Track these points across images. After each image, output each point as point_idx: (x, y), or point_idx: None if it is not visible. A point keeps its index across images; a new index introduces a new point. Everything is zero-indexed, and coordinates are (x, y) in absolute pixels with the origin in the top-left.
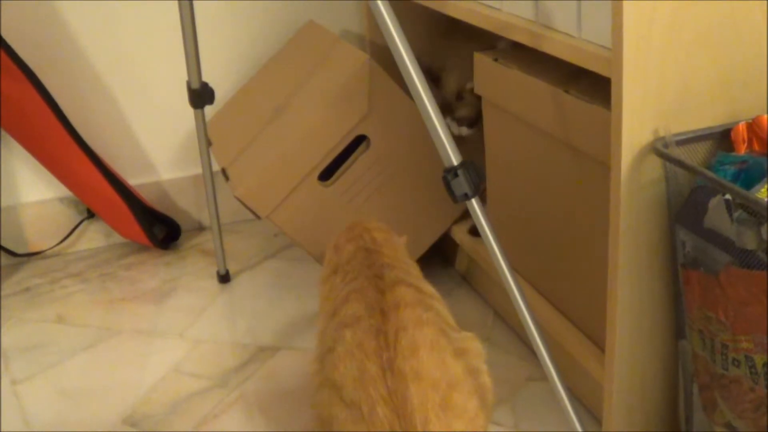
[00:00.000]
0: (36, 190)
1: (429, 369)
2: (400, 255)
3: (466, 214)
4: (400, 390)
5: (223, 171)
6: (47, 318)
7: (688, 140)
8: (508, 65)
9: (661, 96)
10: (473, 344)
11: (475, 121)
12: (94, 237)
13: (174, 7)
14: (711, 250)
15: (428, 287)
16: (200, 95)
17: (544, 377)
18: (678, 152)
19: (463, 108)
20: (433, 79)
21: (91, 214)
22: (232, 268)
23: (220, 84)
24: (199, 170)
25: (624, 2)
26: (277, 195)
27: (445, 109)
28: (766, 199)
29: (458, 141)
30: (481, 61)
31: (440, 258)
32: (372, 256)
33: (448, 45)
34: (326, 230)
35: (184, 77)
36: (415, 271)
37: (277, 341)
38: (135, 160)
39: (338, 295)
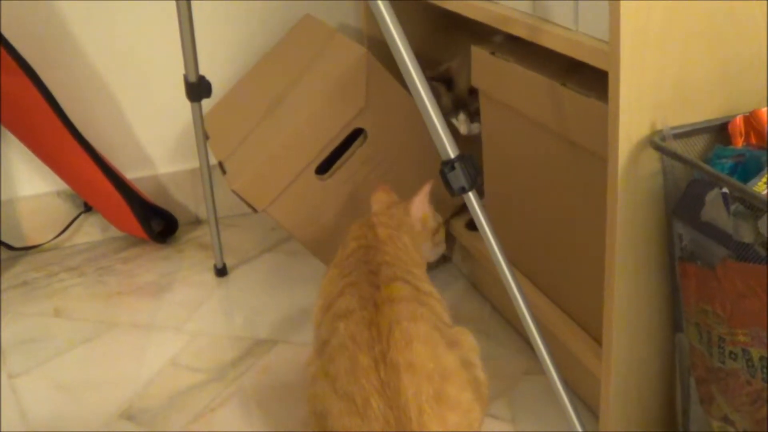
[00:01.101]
0: (33, 184)
1: (423, 361)
2: (403, 254)
3: (463, 208)
4: (393, 381)
5: (221, 164)
6: (44, 312)
7: (686, 133)
8: (505, 58)
9: (659, 89)
10: (467, 339)
11: None
12: (92, 231)
13: (171, 1)
14: (708, 243)
15: (427, 285)
16: (197, 89)
17: (542, 371)
18: (675, 145)
19: (476, 102)
20: (447, 82)
21: (88, 208)
22: (229, 262)
23: (217, 77)
24: (196, 164)
25: None
26: (274, 188)
27: (459, 105)
28: (763, 193)
29: (456, 135)
30: (479, 54)
31: None
32: (370, 253)
33: (451, 41)
34: (323, 224)
35: (181, 71)
36: (417, 271)
37: (274, 335)
38: (132, 153)
39: (333, 290)
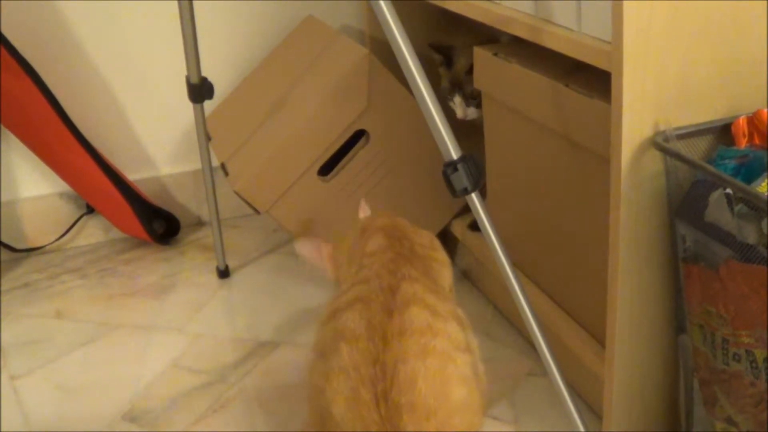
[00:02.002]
0: (35, 186)
1: (426, 401)
2: (430, 272)
3: (466, 209)
4: (394, 418)
5: (223, 166)
6: (46, 313)
7: (689, 134)
8: (507, 59)
9: (662, 90)
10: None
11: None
12: (94, 232)
13: (174, 2)
14: (711, 244)
15: (446, 306)
16: (199, 90)
17: (544, 372)
18: (678, 146)
19: (472, 82)
20: (445, 59)
21: (90, 210)
22: (231, 263)
23: (220, 79)
24: (198, 165)
25: None
26: (276, 189)
27: (455, 86)
28: (766, 194)
29: (458, 135)
30: (481, 55)
31: None
32: (400, 263)
33: (454, 42)
34: (326, 225)
35: (184, 72)
36: (440, 289)
37: (277, 336)
38: (134, 155)
39: (342, 297)
